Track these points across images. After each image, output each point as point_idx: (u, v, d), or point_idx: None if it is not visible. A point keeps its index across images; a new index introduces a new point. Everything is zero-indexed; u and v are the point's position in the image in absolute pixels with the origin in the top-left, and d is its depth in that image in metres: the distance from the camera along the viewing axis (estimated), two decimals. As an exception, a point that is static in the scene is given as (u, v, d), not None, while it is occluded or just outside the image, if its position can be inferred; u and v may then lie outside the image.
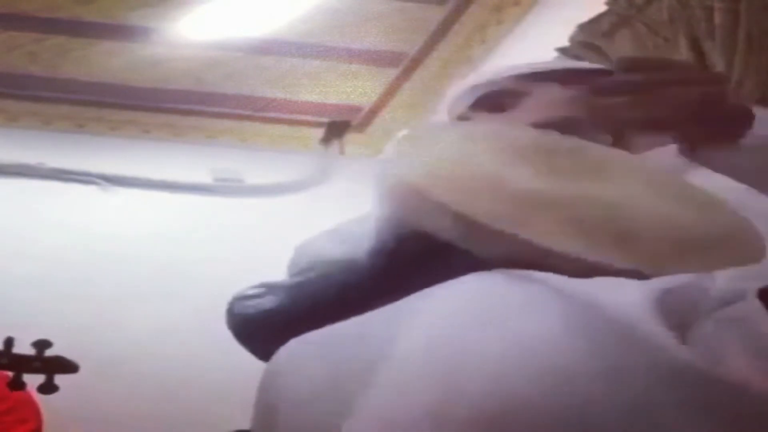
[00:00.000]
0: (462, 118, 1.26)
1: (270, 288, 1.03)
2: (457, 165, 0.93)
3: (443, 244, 0.83)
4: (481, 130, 1.08)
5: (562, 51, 2.66)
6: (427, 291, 0.79)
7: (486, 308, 0.74)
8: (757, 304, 0.70)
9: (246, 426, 0.90)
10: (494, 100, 1.25)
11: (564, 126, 1.10)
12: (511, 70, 1.31)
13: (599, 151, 1.05)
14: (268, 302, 1.01)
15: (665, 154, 1.11)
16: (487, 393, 0.68)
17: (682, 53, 2.37)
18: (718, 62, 2.29)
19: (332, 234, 1.06)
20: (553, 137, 1.04)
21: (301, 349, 0.84)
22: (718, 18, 2.30)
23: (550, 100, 1.23)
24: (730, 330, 0.69)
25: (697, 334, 0.69)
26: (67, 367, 2.58)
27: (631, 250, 0.82)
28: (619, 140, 1.16)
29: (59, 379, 2.56)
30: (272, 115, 4.36)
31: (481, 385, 0.69)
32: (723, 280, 0.73)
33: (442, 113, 1.32)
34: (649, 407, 0.65)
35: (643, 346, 0.67)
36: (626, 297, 0.71)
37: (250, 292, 1.03)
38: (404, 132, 0.98)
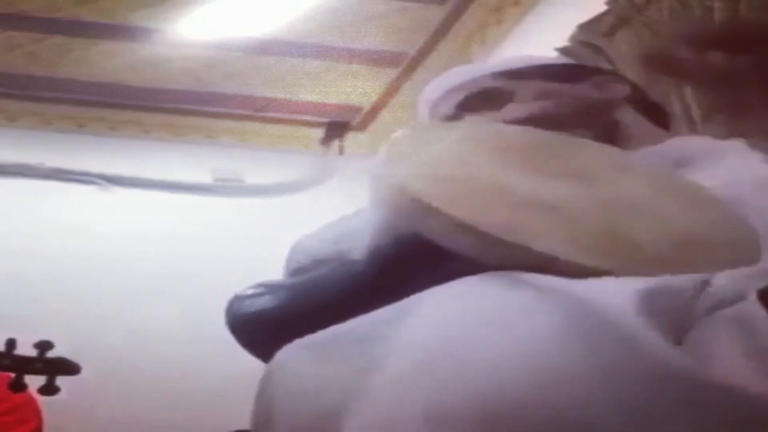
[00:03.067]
0: (449, 119, 1.25)
1: (268, 288, 1.03)
2: (454, 168, 0.92)
3: (440, 247, 0.83)
4: (473, 130, 1.08)
5: (563, 51, 2.66)
6: (424, 293, 0.79)
7: (483, 310, 0.75)
8: (757, 305, 0.70)
9: (246, 426, 0.90)
10: (478, 100, 1.24)
11: (547, 122, 1.09)
12: (490, 68, 1.30)
13: (594, 149, 1.05)
14: (266, 302, 1.01)
15: (658, 151, 1.11)
16: (484, 394, 0.68)
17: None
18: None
19: (326, 232, 1.06)
20: (546, 135, 1.03)
21: (300, 351, 0.84)
22: (718, 18, 2.29)
23: (533, 96, 1.22)
24: (730, 331, 0.68)
25: (696, 335, 0.69)
26: (70, 368, 2.55)
27: (631, 254, 0.82)
28: (608, 135, 1.16)
29: (60, 379, 2.55)
30: (272, 115, 4.37)
31: (477, 385, 0.69)
32: (723, 280, 0.73)
33: (422, 114, 1.30)
34: (642, 411, 0.65)
35: (634, 349, 0.67)
36: (622, 298, 0.71)
37: (249, 291, 1.04)
38: (399, 132, 0.98)
